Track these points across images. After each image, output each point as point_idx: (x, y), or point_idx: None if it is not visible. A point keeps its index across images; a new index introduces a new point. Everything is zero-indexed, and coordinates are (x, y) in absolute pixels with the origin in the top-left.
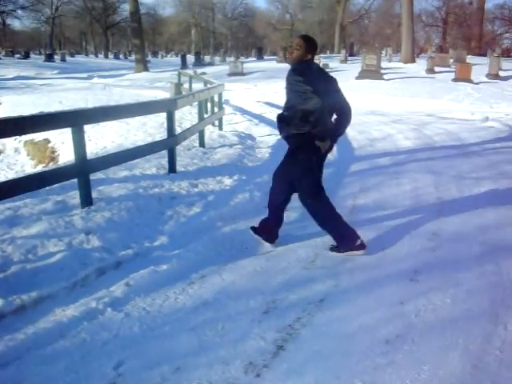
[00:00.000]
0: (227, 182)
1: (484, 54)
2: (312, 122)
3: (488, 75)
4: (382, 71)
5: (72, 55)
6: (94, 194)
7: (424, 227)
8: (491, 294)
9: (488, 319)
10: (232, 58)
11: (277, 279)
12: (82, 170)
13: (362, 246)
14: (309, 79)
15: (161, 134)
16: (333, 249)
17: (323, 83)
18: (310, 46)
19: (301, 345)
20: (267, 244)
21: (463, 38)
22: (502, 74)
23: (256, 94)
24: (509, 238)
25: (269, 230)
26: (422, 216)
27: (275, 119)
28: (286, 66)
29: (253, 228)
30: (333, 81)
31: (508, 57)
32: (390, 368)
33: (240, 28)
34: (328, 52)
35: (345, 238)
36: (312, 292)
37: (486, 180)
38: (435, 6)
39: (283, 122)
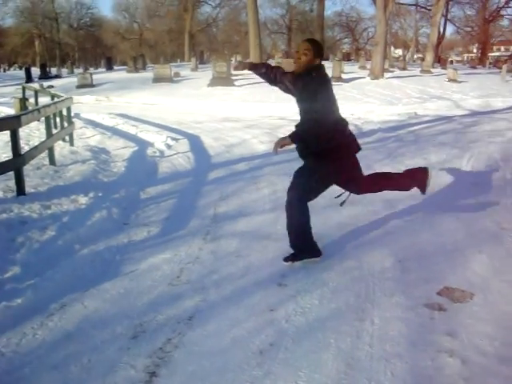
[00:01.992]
0: (82, 200)
1: (327, 59)
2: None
3: (332, 78)
4: (233, 78)
5: None
6: None
7: (285, 230)
8: (356, 290)
9: (355, 316)
10: (80, 70)
11: (142, 300)
12: None
13: (319, 253)
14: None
15: (6, 154)
16: (288, 258)
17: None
18: (319, 49)
19: (174, 368)
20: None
21: None
22: (344, 76)
23: (108, 106)
24: (364, 233)
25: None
26: (283, 219)
27: (290, 135)
28: (137, 76)
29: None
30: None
31: (348, 60)
32: (267, 380)
33: (87, 38)
34: (179, 60)
35: (305, 249)
36: (180, 310)
37: None
38: (279, 14)
39: (311, 136)
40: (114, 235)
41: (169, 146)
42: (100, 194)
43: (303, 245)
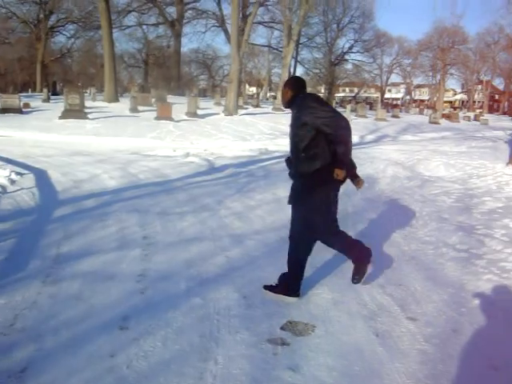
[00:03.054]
0: None
1: (183, 94)
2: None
3: (187, 113)
4: (87, 110)
5: None
6: None
7: (131, 269)
8: (200, 329)
9: (199, 356)
10: None
11: None
12: None
13: (295, 295)
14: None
15: None
16: (266, 287)
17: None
18: (298, 83)
19: None
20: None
21: (163, 78)
22: (199, 112)
23: None
24: (211, 269)
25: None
26: (129, 258)
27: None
28: None
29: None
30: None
31: (204, 96)
32: None
33: None
34: (30, 90)
35: (285, 284)
36: (12, 362)
37: (188, 214)
38: (136, 48)
39: (311, 158)
40: None
41: (12, 181)
42: None
43: (285, 280)
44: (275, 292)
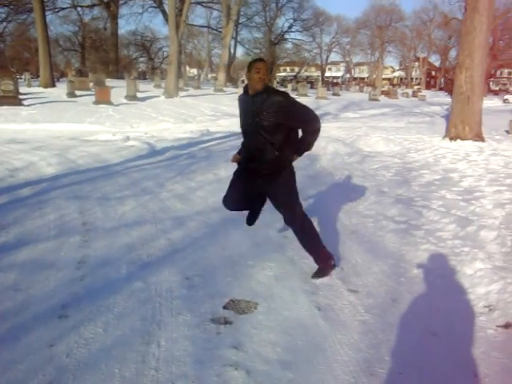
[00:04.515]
0: None
1: (122, 77)
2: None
3: (127, 97)
4: (22, 97)
5: None
6: None
7: (71, 257)
8: (142, 313)
9: (141, 340)
10: None
11: None
12: None
13: (334, 266)
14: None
15: None
16: (317, 274)
17: None
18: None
19: None
20: None
21: (101, 61)
22: (139, 95)
23: None
24: (153, 252)
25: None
26: (68, 245)
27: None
28: None
29: None
30: None
31: (144, 79)
32: None
33: None
34: None
35: (324, 256)
36: None
37: (129, 198)
38: (71, 31)
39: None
40: None
41: None
42: None
43: (325, 255)
44: (326, 274)
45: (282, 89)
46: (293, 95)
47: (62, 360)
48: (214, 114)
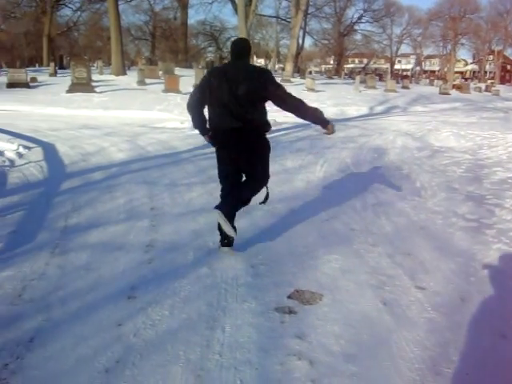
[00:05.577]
0: None
1: (190, 67)
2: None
3: (195, 85)
4: (94, 84)
5: None
6: None
7: (139, 240)
8: (207, 298)
9: (206, 325)
10: None
11: None
12: None
13: None
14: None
15: None
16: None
17: None
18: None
19: None
20: None
21: (171, 51)
22: None
23: None
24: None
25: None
26: (137, 229)
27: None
28: None
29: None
30: None
31: None
32: None
33: None
34: (37, 65)
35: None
36: (21, 331)
37: (196, 185)
38: (143, 21)
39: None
40: None
41: (20, 155)
42: None
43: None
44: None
45: (350, 81)
46: (361, 87)
47: (129, 339)
48: None
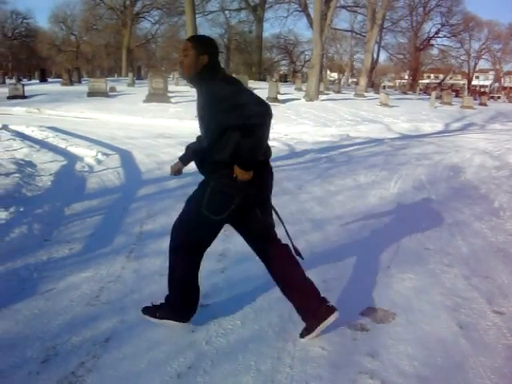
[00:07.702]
0: (2, 215)
1: (264, 79)
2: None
3: (268, 98)
4: (170, 94)
5: None
6: None
7: (212, 248)
8: (279, 310)
9: (277, 336)
10: (13, 80)
11: (57, 321)
12: None
13: None
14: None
15: None
16: None
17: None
18: (204, 45)
19: None
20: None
21: (245, 63)
22: (280, 97)
23: (39, 118)
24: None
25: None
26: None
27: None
28: (72, 89)
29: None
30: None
31: (285, 82)
32: None
33: (21, 49)
34: (116, 75)
35: None
36: (97, 331)
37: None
38: (218, 34)
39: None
40: (33, 252)
41: (99, 161)
42: (22, 209)
43: None
44: None
45: (425, 96)
46: (436, 103)
47: (201, 346)
48: (353, 119)
